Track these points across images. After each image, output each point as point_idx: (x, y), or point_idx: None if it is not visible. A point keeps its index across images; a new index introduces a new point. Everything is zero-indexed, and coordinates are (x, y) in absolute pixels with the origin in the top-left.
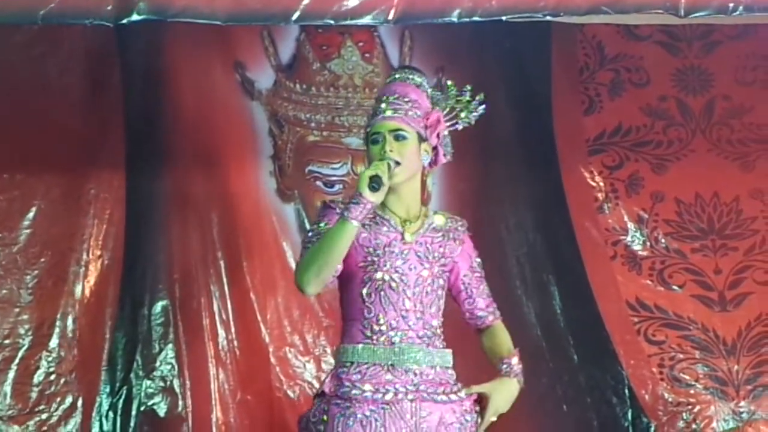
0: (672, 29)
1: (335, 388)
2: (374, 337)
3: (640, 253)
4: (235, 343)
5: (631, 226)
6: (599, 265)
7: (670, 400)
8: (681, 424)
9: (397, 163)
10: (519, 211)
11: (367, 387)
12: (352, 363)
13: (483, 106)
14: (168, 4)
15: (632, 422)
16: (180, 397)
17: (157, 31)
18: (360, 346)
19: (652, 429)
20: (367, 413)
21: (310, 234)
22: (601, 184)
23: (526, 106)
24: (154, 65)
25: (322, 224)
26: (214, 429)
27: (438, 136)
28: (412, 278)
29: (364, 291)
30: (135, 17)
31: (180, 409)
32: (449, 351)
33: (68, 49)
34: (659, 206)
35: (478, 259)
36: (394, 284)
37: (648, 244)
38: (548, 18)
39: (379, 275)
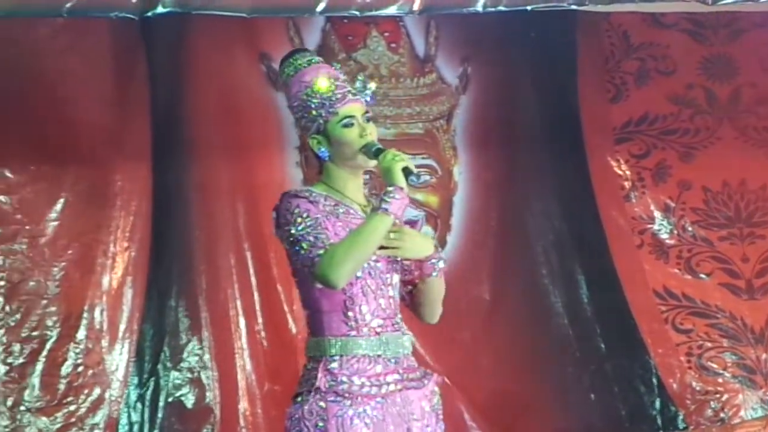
0: (698, 17)
1: (330, 384)
2: (359, 328)
3: (667, 241)
4: (262, 334)
5: (657, 214)
6: (626, 254)
7: (698, 388)
8: (709, 412)
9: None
10: (545, 200)
11: (364, 381)
12: (341, 356)
13: (371, 86)
14: None
15: (660, 411)
16: (207, 388)
17: (182, 23)
18: (347, 338)
19: (680, 418)
20: (368, 409)
21: (300, 227)
22: (628, 172)
23: (553, 95)
24: (180, 57)
25: (305, 215)
26: (241, 420)
27: None
28: (384, 264)
29: None
30: (160, 10)
31: (207, 400)
32: (410, 336)
33: (94, 41)
34: (686, 194)
35: None
36: (371, 271)
37: (675, 232)
38: (573, 7)
39: None
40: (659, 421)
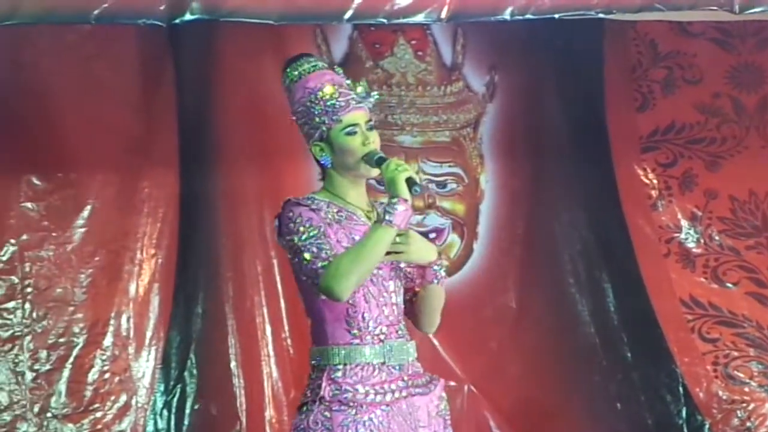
0: (725, 26)
1: (335, 393)
2: (362, 336)
3: (693, 250)
4: (289, 341)
5: (684, 223)
6: (653, 263)
7: (724, 397)
8: (736, 421)
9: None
10: (572, 208)
11: (369, 389)
12: (345, 365)
13: (374, 95)
14: (221, 3)
15: (687, 420)
16: (234, 395)
17: (210, 30)
18: (350, 347)
19: (707, 427)
20: (373, 418)
21: (302, 237)
22: (655, 181)
23: (579, 103)
24: (207, 64)
25: (308, 224)
26: (267, 427)
27: None
28: (387, 271)
29: None
30: (188, 17)
31: (233, 407)
32: (415, 342)
33: (121, 48)
34: (713, 203)
35: None
36: (374, 279)
37: (702, 241)
38: (601, 15)
39: None
40: (685, 430)
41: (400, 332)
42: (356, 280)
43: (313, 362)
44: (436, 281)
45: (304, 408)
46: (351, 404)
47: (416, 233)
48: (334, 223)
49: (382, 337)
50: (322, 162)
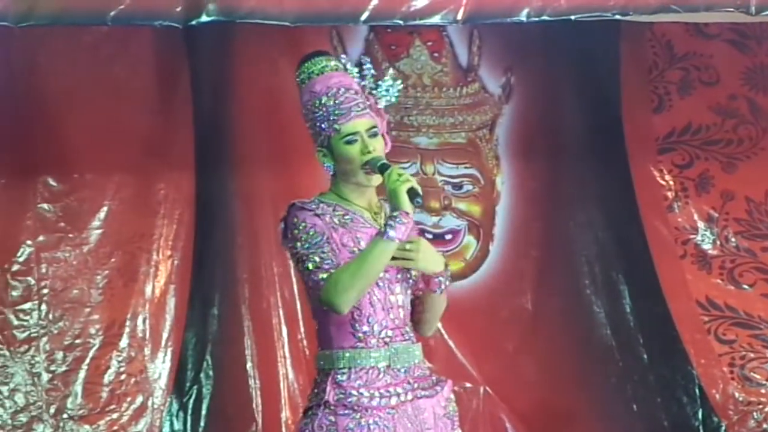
0: (741, 27)
1: (339, 397)
2: (367, 340)
3: (710, 252)
4: (304, 342)
5: (701, 225)
6: (669, 264)
7: (740, 399)
8: (752, 423)
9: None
10: (588, 209)
11: (373, 393)
12: (349, 369)
13: (398, 87)
14: (237, 5)
15: (703, 422)
16: (250, 396)
17: (226, 32)
18: (355, 350)
19: (723, 428)
20: (378, 421)
21: (305, 245)
22: (671, 182)
23: (596, 104)
24: (223, 66)
25: (311, 231)
26: (283, 428)
27: (385, 124)
28: (394, 274)
29: None
30: (204, 18)
31: (249, 408)
32: (421, 344)
33: (137, 50)
34: (729, 205)
35: None
36: (380, 282)
37: (718, 243)
38: (617, 17)
39: None
40: None
41: (406, 335)
42: (356, 294)
43: (318, 366)
44: (439, 291)
45: (309, 412)
46: (356, 408)
47: (426, 242)
48: (339, 226)
49: (387, 340)
50: (326, 167)
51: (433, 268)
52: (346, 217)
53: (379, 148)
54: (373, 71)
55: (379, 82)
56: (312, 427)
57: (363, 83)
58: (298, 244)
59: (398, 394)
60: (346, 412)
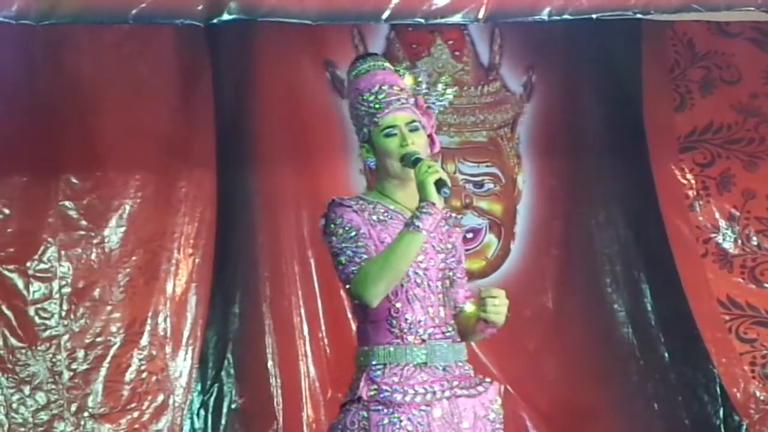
0: (763, 26)
1: (373, 393)
2: (404, 337)
3: (731, 251)
4: (325, 341)
5: (722, 223)
6: (690, 263)
7: (761, 398)
8: None
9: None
10: (610, 207)
11: (407, 390)
12: (384, 365)
13: (452, 91)
14: (258, 3)
15: (724, 420)
16: (271, 395)
17: (247, 30)
18: (390, 346)
19: (744, 427)
20: (411, 418)
21: (341, 240)
22: (692, 181)
23: (617, 103)
24: (244, 64)
25: (348, 226)
26: (304, 427)
27: (432, 124)
28: (434, 272)
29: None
30: (225, 17)
31: (271, 407)
32: (465, 344)
33: (159, 48)
34: (751, 203)
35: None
36: (418, 279)
37: (739, 241)
38: (639, 15)
39: None
40: (723, 431)
41: (447, 333)
42: (385, 287)
43: (356, 362)
44: (484, 335)
45: (344, 408)
46: (388, 404)
47: (506, 299)
48: (377, 223)
49: (425, 337)
50: (368, 163)
51: (499, 322)
52: (386, 214)
53: (419, 142)
54: (427, 77)
55: (433, 87)
56: (345, 423)
57: (417, 88)
58: (334, 239)
59: (434, 392)
60: (379, 408)
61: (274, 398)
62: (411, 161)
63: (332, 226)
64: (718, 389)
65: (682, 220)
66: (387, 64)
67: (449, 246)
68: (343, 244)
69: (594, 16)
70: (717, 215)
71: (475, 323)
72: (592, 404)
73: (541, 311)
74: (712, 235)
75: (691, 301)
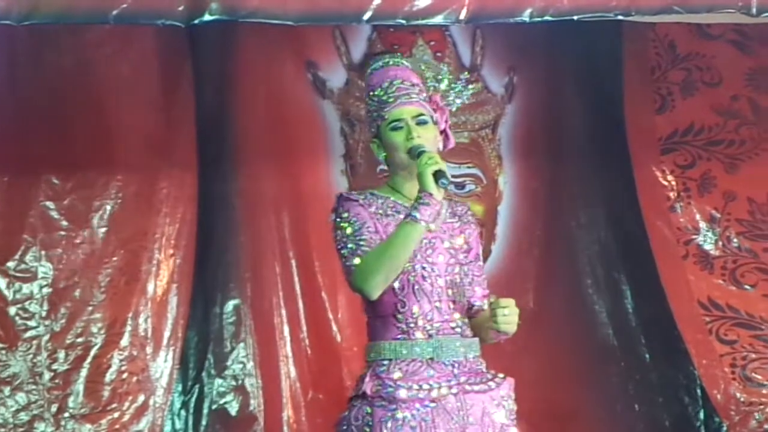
0: (744, 28)
1: (377, 389)
2: (410, 332)
3: (712, 252)
4: (307, 341)
5: (703, 225)
6: (671, 265)
7: (742, 399)
8: (753, 423)
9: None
10: (591, 209)
11: (411, 385)
12: (391, 360)
13: (473, 87)
14: (240, 4)
15: (704, 422)
16: (251, 395)
17: (229, 31)
18: (397, 342)
19: (724, 429)
20: (415, 413)
21: (345, 233)
22: (674, 183)
23: (598, 105)
24: (226, 65)
25: (353, 220)
26: (285, 428)
27: (446, 120)
28: (442, 267)
29: (396, 284)
30: (207, 18)
31: (251, 407)
32: (477, 339)
33: (140, 48)
34: (731, 205)
35: (481, 247)
36: (426, 274)
37: (720, 243)
38: (620, 17)
39: (410, 266)
40: None
41: (457, 328)
42: (384, 278)
43: (366, 357)
44: (493, 340)
45: (350, 403)
46: (392, 400)
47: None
48: (384, 217)
49: (432, 332)
50: (379, 159)
51: (510, 332)
52: (395, 209)
53: (426, 136)
54: (449, 75)
55: (453, 85)
56: (349, 419)
57: (437, 85)
58: (339, 232)
59: (440, 387)
60: (382, 403)
61: (255, 399)
62: (416, 154)
63: (338, 220)
64: (698, 390)
65: (663, 221)
66: (404, 62)
67: (461, 241)
68: (347, 238)
69: (575, 17)
70: (698, 217)
71: (488, 330)
72: (573, 405)
73: (522, 311)
74: (693, 237)
75: (672, 302)
